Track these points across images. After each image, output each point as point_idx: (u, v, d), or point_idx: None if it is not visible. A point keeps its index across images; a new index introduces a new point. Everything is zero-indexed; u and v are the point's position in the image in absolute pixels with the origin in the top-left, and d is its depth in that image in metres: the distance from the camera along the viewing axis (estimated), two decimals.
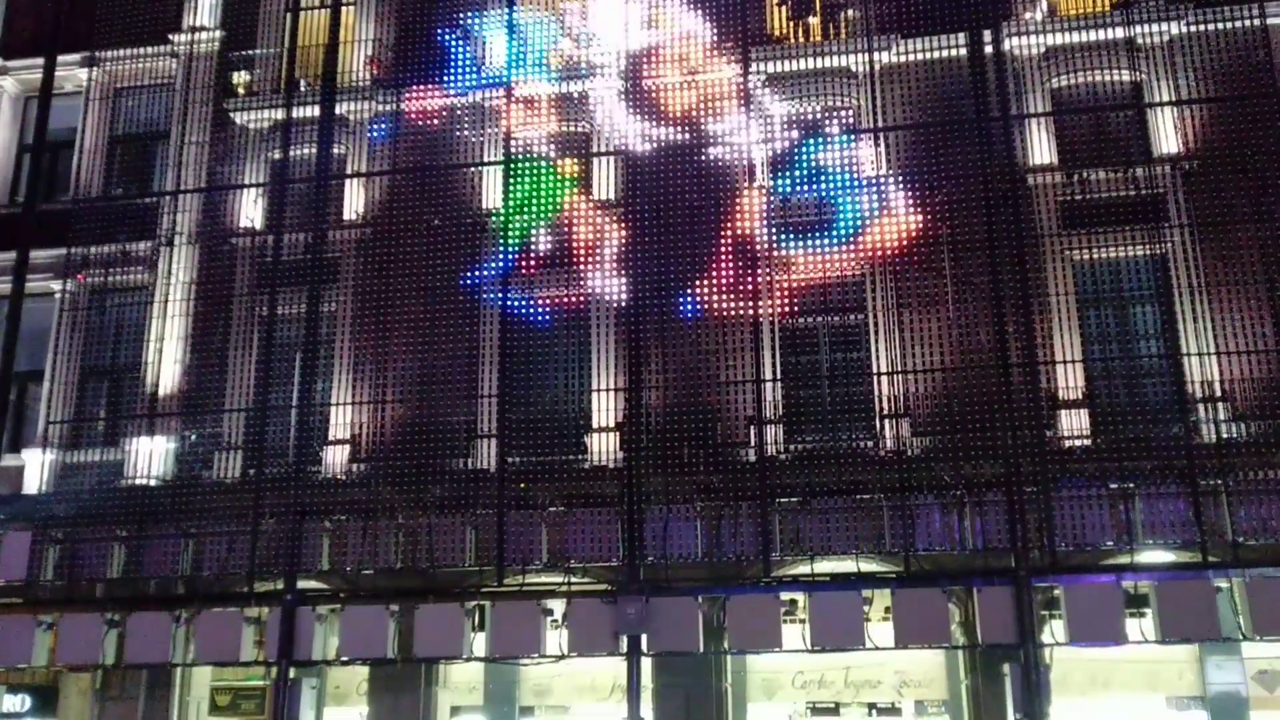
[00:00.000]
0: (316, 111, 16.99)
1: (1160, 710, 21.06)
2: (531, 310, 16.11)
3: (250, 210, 18.01)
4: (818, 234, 15.69)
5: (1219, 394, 14.38)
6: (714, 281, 15.49)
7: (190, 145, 18.37)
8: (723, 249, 15.54)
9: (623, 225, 15.91)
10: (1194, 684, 20.53)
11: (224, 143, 18.23)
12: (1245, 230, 14.49)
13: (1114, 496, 14.01)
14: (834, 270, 15.64)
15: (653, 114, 16.30)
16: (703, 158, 16.15)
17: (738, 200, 15.84)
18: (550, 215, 16.36)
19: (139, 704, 17.33)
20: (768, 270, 15.67)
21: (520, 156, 16.56)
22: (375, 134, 17.63)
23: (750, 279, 15.31)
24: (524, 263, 16.18)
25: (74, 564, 16.05)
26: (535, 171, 16.48)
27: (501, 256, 16.10)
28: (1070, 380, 15.22)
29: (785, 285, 15.81)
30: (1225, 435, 14.20)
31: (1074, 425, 15.02)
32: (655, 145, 16.16)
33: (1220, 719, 19.98)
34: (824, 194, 15.74)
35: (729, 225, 15.70)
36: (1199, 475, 13.58)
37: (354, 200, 17.77)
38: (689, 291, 15.55)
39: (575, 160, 17.37)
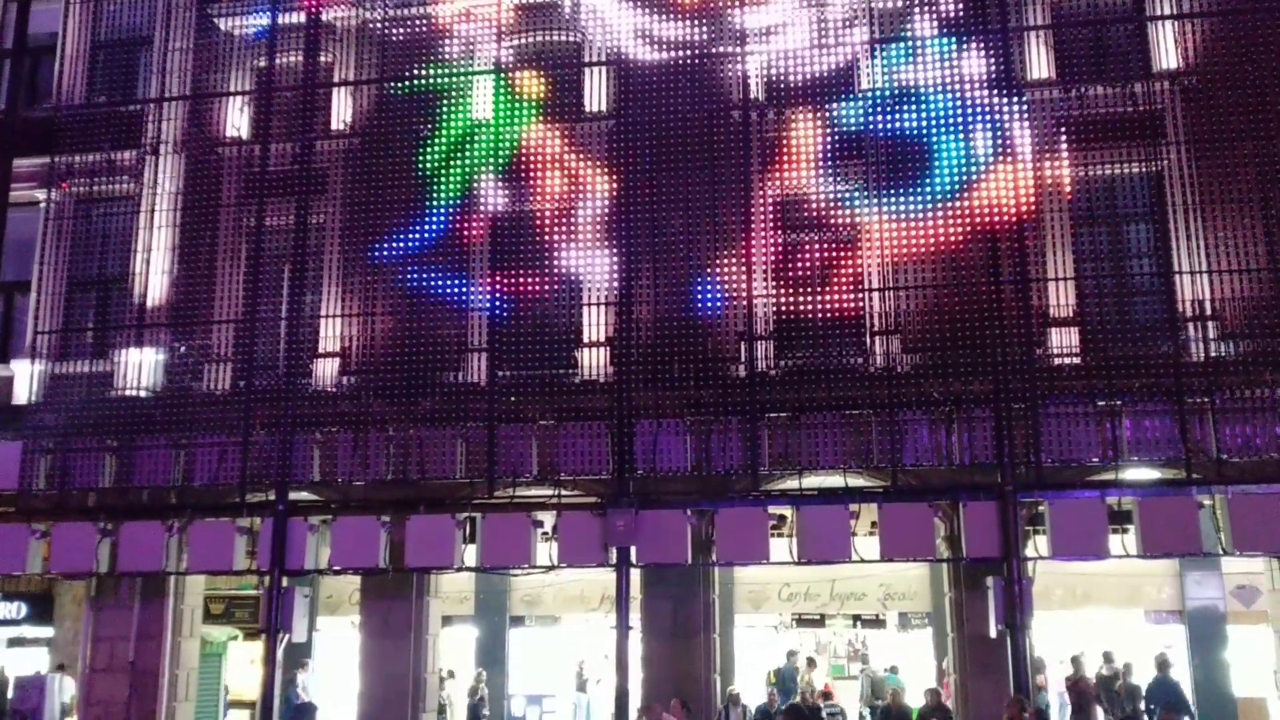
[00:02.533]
0: (302, 18, 16.66)
1: (1139, 623, 21.49)
2: (521, 227, 15.93)
3: (236, 119, 17.71)
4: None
5: (1209, 312, 14.37)
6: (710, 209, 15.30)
7: (174, 52, 17.98)
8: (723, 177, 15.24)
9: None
10: (1173, 598, 20.95)
11: (208, 49, 17.85)
12: (1242, 148, 14.34)
13: (1101, 414, 14.08)
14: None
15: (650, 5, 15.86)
16: (704, 66, 15.83)
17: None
18: (532, 125, 16.10)
19: (133, 611, 17.55)
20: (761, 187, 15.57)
21: (507, 66, 16.31)
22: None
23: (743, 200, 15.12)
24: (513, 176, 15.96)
25: (65, 474, 16.12)
26: (503, 85, 16.18)
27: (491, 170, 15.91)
28: (1061, 298, 15.19)
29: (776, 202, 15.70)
30: (1214, 354, 14.23)
31: (1064, 343, 15.03)
32: (652, 45, 15.77)
33: (1198, 632, 20.43)
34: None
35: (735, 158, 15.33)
36: (1186, 393, 13.65)
37: (341, 110, 17.48)
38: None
39: (566, 69, 17.09)
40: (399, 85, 16.48)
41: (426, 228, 15.91)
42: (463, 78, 16.27)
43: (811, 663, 20.87)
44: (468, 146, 15.97)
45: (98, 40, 19.19)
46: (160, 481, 16.16)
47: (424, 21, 16.53)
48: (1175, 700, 16.55)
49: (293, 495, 15.31)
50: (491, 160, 15.87)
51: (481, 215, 15.82)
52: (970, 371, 14.14)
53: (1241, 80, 14.42)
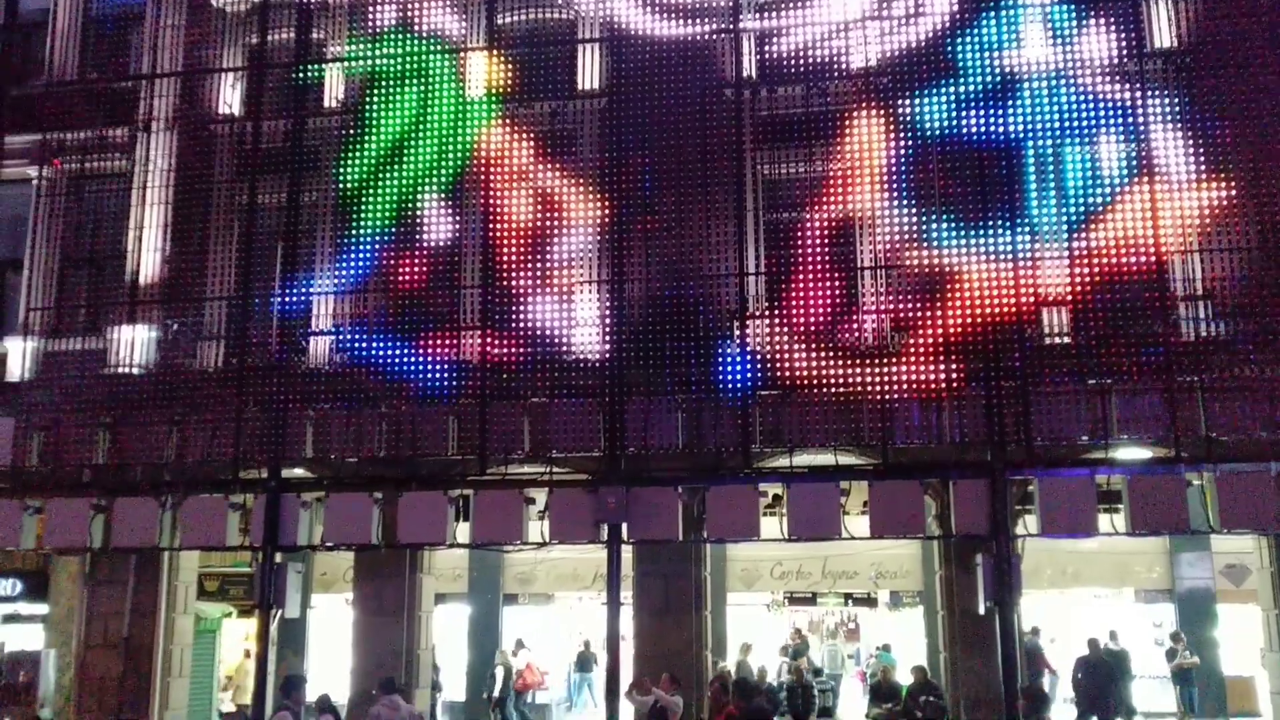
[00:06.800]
0: None
1: (1129, 602, 21.62)
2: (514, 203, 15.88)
3: (229, 96, 17.67)
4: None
5: (1200, 292, 14.37)
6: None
7: (166, 28, 17.91)
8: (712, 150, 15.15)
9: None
10: (1163, 578, 21.09)
11: (201, 26, 17.78)
12: (1235, 126, 14.29)
13: (1091, 393, 14.10)
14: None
15: None
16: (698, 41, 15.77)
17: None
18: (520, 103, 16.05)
19: (128, 587, 17.66)
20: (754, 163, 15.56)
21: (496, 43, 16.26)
22: None
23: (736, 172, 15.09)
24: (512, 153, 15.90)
25: (59, 450, 16.13)
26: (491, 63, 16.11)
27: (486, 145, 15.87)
28: (1053, 277, 15.14)
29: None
30: (1204, 333, 14.23)
31: (1055, 322, 15.03)
32: (659, 17, 15.67)
33: (1188, 611, 20.59)
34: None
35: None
36: (1176, 372, 13.66)
37: (334, 87, 17.42)
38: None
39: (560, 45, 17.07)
40: (392, 63, 16.39)
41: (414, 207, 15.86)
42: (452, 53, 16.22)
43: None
44: (455, 125, 15.90)
45: (89, 16, 19.11)
46: (154, 458, 16.19)
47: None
48: None
49: (286, 472, 15.33)
50: (474, 140, 15.79)
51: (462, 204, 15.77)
52: (962, 350, 14.13)
53: (1235, 59, 14.37)
